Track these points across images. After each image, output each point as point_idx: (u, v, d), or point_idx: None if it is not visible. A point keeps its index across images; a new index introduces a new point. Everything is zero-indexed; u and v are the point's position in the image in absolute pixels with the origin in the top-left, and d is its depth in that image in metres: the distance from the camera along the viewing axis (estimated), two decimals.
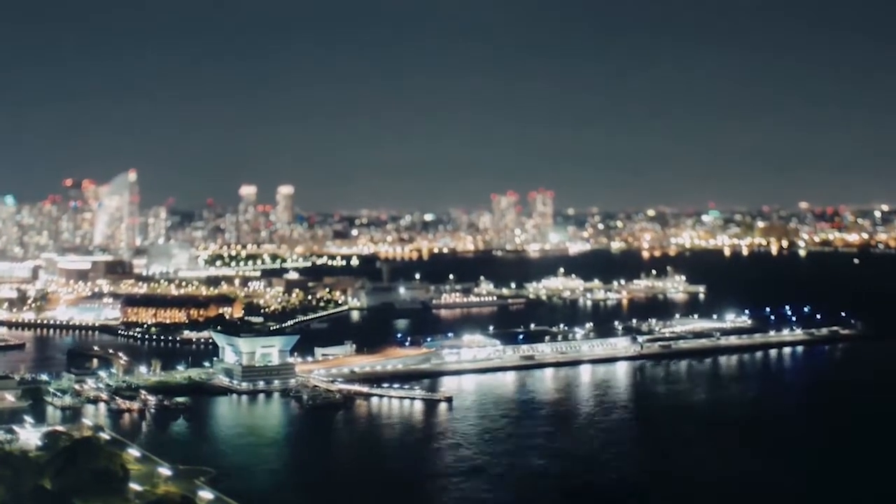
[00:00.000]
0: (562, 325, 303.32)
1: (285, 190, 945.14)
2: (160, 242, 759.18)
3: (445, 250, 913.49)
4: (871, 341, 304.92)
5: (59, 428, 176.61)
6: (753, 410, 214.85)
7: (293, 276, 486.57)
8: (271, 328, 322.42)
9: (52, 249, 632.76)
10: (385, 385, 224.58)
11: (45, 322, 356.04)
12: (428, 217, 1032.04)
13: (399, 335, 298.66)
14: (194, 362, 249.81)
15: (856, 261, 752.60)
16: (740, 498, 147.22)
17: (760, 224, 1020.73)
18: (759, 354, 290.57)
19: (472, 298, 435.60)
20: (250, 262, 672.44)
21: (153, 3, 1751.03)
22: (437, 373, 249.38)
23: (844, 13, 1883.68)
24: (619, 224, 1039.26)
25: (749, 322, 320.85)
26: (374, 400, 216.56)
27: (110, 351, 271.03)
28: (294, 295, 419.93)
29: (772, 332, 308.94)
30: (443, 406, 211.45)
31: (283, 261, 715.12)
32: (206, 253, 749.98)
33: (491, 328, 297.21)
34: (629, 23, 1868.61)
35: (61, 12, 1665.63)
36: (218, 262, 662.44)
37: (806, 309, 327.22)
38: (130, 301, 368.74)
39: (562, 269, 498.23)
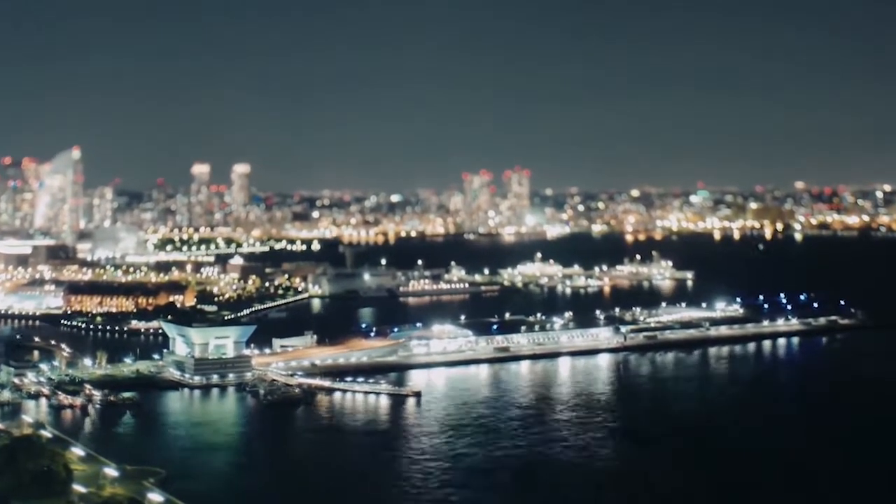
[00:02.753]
0: (539, 315, 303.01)
1: (241, 168, 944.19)
2: (106, 225, 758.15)
3: (413, 234, 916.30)
4: (871, 332, 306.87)
5: None
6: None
7: (238, 261, 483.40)
8: (226, 318, 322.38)
9: None
10: (349, 379, 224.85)
11: None
12: (395, 198, 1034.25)
13: (364, 325, 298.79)
14: (143, 354, 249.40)
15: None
16: None
17: (753, 205, 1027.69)
18: (751, 346, 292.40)
19: (443, 286, 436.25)
20: (203, 247, 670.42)
21: None
22: (405, 366, 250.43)
23: None
24: (601, 205, 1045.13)
25: (741, 311, 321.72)
26: (337, 395, 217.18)
27: (52, 342, 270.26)
28: (250, 282, 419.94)
29: (765, 322, 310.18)
30: (411, 401, 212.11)
31: (239, 245, 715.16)
32: (155, 237, 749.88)
33: (462, 318, 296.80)
34: None
35: None
36: (168, 247, 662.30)
37: (802, 297, 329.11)
38: (74, 288, 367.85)
39: (539, 254, 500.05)
